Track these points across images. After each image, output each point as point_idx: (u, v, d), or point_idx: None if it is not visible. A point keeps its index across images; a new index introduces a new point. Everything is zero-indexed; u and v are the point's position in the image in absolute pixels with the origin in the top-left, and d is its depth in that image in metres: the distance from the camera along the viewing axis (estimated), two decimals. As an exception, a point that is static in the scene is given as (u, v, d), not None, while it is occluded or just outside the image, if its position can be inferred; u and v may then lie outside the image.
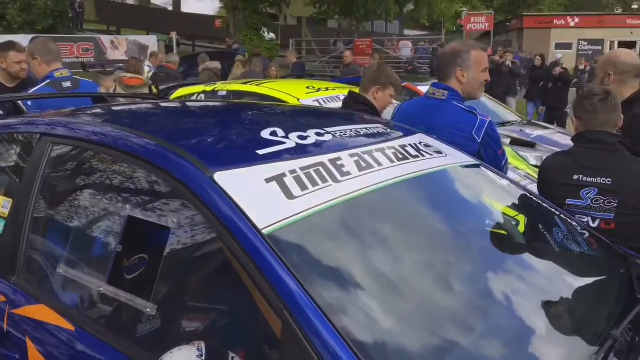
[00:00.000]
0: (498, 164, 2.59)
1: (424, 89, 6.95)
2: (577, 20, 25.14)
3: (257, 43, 18.13)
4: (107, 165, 1.87)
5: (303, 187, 1.56)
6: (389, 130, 2.27)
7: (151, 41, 11.96)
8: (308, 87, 4.85)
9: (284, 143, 1.78)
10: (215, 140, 1.86)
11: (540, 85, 11.25)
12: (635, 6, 30.86)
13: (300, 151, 1.76)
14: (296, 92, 4.67)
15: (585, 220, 2.21)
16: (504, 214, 2.21)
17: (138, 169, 1.73)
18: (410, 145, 2.11)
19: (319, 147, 1.83)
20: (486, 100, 7.54)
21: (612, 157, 2.19)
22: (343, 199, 1.59)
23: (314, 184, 1.60)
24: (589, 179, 2.18)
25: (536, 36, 24.88)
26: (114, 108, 2.54)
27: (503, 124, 6.77)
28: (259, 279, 1.30)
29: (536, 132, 6.52)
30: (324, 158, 1.74)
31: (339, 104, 4.60)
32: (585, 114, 2.28)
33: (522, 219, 2.19)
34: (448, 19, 44.51)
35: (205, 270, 1.69)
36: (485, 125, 2.50)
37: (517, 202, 2.27)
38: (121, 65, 10.14)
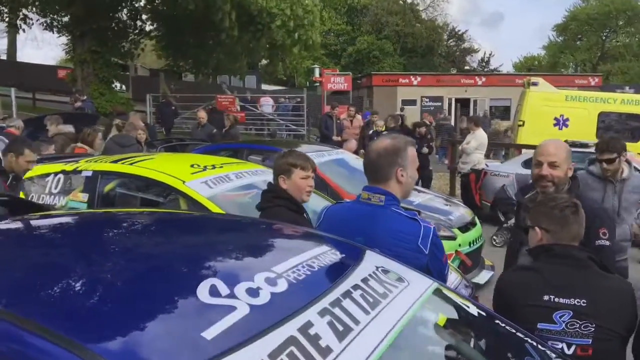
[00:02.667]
0: (442, 273, 2.31)
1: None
2: (419, 79, 27.40)
3: (109, 97, 16.92)
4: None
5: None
6: (337, 254, 1.86)
7: (-16, 98, 10.35)
8: (192, 165, 4.30)
9: (234, 309, 1.28)
10: (134, 314, 1.26)
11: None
12: (467, 67, 34.76)
13: (259, 321, 1.27)
14: (179, 173, 4.09)
15: (560, 346, 1.97)
16: (471, 345, 1.91)
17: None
18: (372, 277, 1.73)
19: (279, 308, 1.36)
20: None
21: (584, 275, 1.99)
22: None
23: (294, 383, 1.12)
24: (562, 300, 1.96)
25: (384, 93, 26.56)
26: None
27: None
28: None
29: (416, 200, 6.56)
30: (292, 328, 1.28)
31: (229, 185, 4.14)
32: (554, 226, 2.07)
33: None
34: (300, 74, 46.38)
35: None
36: (431, 234, 2.21)
37: (484, 328, 1.98)
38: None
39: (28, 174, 4.49)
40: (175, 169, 4.17)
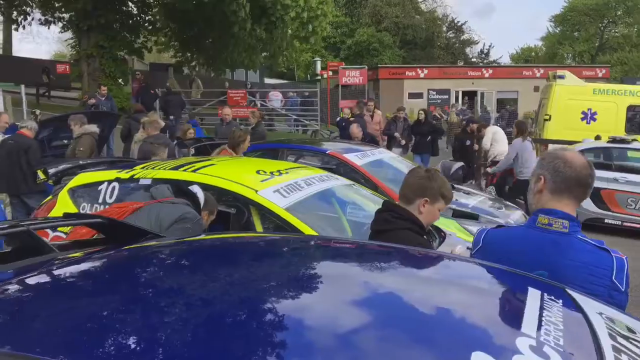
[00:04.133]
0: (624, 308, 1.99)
1: (351, 156, 6.36)
2: (426, 71, 27.04)
3: (116, 93, 16.47)
4: None
5: None
6: (555, 299, 1.53)
7: (-6, 95, 9.87)
8: (258, 172, 3.96)
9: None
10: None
11: (428, 139, 11.42)
12: (474, 59, 34.51)
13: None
14: (249, 181, 3.75)
15: None
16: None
17: None
18: (614, 332, 1.41)
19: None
20: (401, 165, 7.09)
21: None
22: None
23: None
24: None
25: (391, 86, 26.22)
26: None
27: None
28: None
29: (470, 202, 6.24)
30: None
31: (302, 193, 3.80)
32: None
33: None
34: (299, 68, 45.93)
35: None
36: (625, 267, 1.88)
37: None
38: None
39: (76, 181, 4.14)
40: (243, 177, 3.83)
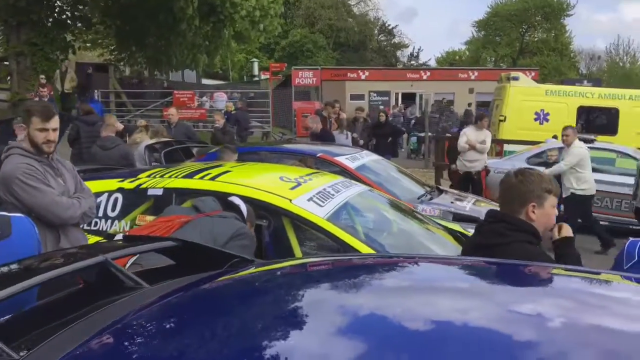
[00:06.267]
0: None
1: (343, 159, 6.07)
2: (367, 73, 27.20)
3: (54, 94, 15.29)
4: None
5: None
6: None
7: None
8: (282, 178, 3.59)
9: None
10: None
11: (389, 140, 11.31)
12: (413, 62, 35.29)
13: None
14: (279, 189, 3.38)
15: None
16: None
17: None
18: None
19: None
20: (396, 174, 6.79)
21: None
22: None
23: None
24: None
25: (333, 88, 26.10)
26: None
27: (424, 195, 6.22)
28: None
29: (467, 205, 6.10)
30: None
31: (335, 201, 3.47)
32: None
33: None
34: (234, 69, 45.12)
35: None
36: None
37: None
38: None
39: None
40: (270, 184, 3.45)
